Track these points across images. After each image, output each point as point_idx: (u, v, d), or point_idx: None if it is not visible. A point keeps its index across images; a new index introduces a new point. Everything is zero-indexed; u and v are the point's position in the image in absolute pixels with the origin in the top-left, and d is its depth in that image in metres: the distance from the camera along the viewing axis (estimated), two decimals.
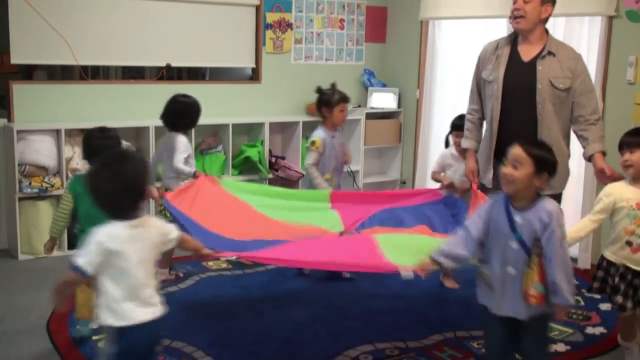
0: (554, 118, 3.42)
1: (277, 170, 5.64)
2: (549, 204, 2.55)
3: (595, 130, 3.41)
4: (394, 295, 4.13)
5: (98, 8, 5.03)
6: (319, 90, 4.41)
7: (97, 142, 3.33)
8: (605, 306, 4.01)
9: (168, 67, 5.39)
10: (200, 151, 5.42)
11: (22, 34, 4.76)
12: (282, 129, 5.92)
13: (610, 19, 4.53)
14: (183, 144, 4.20)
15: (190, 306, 3.95)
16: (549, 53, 3.42)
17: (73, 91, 5.04)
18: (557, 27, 4.86)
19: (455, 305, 4.03)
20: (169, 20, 5.34)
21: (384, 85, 6.27)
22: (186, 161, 4.18)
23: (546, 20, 3.48)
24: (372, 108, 6.18)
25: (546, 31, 3.50)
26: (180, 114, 4.26)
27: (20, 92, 4.83)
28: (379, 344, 3.49)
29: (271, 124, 5.64)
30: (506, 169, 2.58)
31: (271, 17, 5.77)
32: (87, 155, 3.41)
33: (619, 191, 3.06)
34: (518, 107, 3.46)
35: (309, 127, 6.01)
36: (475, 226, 2.65)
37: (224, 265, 4.63)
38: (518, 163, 2.55)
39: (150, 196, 3.32)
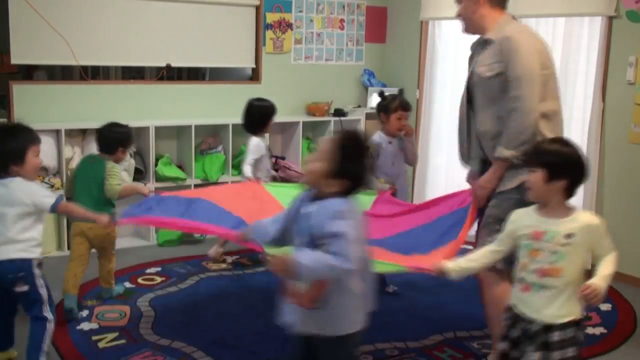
0: (493, 108, 2.93)
1: (277, 171, 5.62)
2: (337, 203, 2.13)
3: (505, 127, 2.87)
4: (394, 296, 4.13)
5: (98, 8, 5.03)
6: (381, 94, 4.31)
7: (106, 133, 3.83)
8: (605, 306, 4.02)
9: (168, 67, 5.39)
10: (201, 151, 5.42)
11: (22, 34, 4.76)
12: (282, 129, 5.92)
13: (610, 19, 4.52)
14: (253, 146, 4.49)
15: (190, 306, 3.95)
16: (485, 42, 2.98)
17: (73, 91, 5.04)
18: (557, 27, 4.87)
19: (455, 305, 4.03)
20: (169, 20, 5.34)
21: (384, 85, 6.27)
22: (259, 162, 4.45)
23: (487, 11, 3.01)
24: (372, 108, 6.15)
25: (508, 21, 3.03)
26: (251, 117, 4.59)
27: (20, 92, 4.83)
28: (379, 344, 3.48)
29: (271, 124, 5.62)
30: (309, 157, 2.27)
31: (271, 17, 5.77)
32: (98, 146, 3.89)
33: (521, 217, 2.48)
34: (462, 109, 3.20)
35: (309, 127, 6.04)
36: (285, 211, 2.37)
37: (224, 266, 4.63)
38: (321, 156, 2.18)
39: (137, 191, 3.84)
